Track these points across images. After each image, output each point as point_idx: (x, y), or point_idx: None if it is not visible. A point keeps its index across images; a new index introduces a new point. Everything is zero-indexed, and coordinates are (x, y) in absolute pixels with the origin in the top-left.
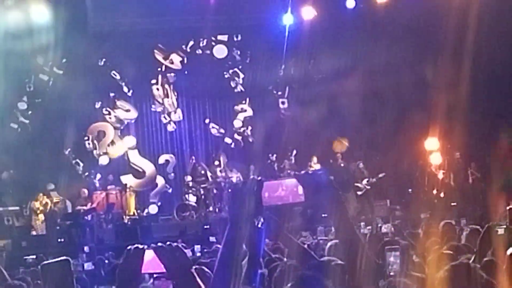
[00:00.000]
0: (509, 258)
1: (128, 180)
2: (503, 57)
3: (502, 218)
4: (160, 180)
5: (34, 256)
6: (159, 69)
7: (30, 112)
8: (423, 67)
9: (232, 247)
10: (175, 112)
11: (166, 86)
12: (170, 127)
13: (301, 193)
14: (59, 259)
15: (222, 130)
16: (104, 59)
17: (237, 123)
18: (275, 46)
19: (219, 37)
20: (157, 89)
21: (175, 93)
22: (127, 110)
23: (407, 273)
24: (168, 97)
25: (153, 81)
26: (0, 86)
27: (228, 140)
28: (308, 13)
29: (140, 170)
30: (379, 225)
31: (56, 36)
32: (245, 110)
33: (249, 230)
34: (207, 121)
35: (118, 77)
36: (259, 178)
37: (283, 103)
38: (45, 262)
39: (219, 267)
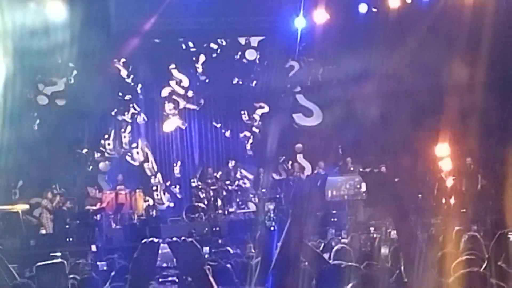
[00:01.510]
0: None
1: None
2: None
3: None
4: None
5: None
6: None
7: (45, 110)
8: (437, 72)
9: (293, 241)
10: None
11: (179, 89)
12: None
13: (364, 190)
14: (54, 261)
15: (232, 131)
16: (121, 60)
17: (252, 127)
18: (287, 49)
19: (237, 39)
20: (169, 93)
21: (190, 95)
22: (138, 113)
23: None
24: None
25: (165, 85)
26: (17, 84)
27: (246, 134)
28: (321, 17)
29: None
30: (388, 230)
31: (73, 35)
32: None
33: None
34: (218, 125)
35: (131, 79)
36: (324, 173)
37: (294, 106)
38: (40, 263)
39: (278, 260)
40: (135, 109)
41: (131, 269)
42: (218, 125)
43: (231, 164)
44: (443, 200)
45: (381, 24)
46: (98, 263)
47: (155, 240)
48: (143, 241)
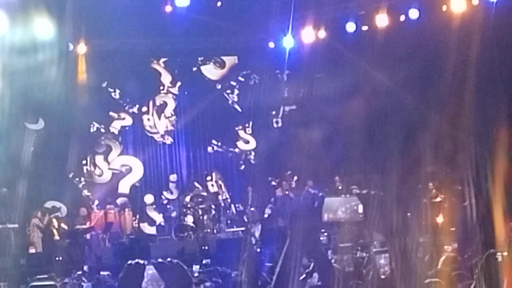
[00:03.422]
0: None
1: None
2: (507, 80)
3: (503, 245)
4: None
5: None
6: (160, 88)
7: (35, 128)
8: (425, 90)
9: (292, 259)
10: (167, 136)
11: (163, 106)
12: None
13: (361, 212)
14: (46, 283)
15: (220, 150)
16: (106, 80)
17: (240, 145)
18: (275, 68)
19: (220, 58)
20: (151, 110)
21: (173, 113)
22: (123, 119)
23: None
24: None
25: (150, 102)
26: (6, 102)
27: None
28: (309, 36)
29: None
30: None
31: (59, 53)
32: (246, 132)
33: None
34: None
35: (118, 97)
36: (321, 194)
37: (282, 124)
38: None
39: (279, 278)
40: (123, 127)
41: None
42: (208, 143)
43: (220, 182)
44: (432, 219)
45: (369, 43)
46: (83, 284)
47: (141, 261)
48: (128, 262)
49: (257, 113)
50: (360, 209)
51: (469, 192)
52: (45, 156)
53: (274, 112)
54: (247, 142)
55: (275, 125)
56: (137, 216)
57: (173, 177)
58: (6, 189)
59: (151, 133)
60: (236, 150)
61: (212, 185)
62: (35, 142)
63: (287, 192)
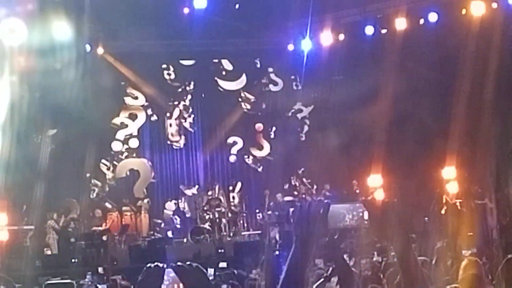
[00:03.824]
0: None
1: None
2: None
3: None
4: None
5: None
6: (178, 90)
7: (54, 130)
8: (444, 95)
9: (298, 266)
10: (184, 138)
11: (181, 110)
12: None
13: (367, 218)
14: (63, 281)
15: (238, 153)
16: (123, 82)
17: (258, 148)
18: (294, 70)
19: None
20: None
21: (191, 117)
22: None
23: None
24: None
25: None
26: (24, 104)
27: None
28: (327, 39)
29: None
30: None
31: (78, 55)
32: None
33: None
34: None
35: (135, 99)
36: (326, 201)
37: (302, 128)
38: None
39: (284, 283)
40: (139, 129)
41: None
42: (225, 146)
43: (237, 185)
44: (450, 223)
45: (388, 47)
46: (99, 286)
47: (160, 264)
48: (148, 265)
49: (274, 117)
50: (366, 215)
51: (489, 196)
52: (62, 158)
53: (291, 116)
54: (264, 146)
55: (293, 129)
56: (153, 218)
57: (188, 180)
58: (24, 191)
59: (168, 137)
60: (254, 153)
61: (229, 188)
62: (53, 144)
63: (303, 195)
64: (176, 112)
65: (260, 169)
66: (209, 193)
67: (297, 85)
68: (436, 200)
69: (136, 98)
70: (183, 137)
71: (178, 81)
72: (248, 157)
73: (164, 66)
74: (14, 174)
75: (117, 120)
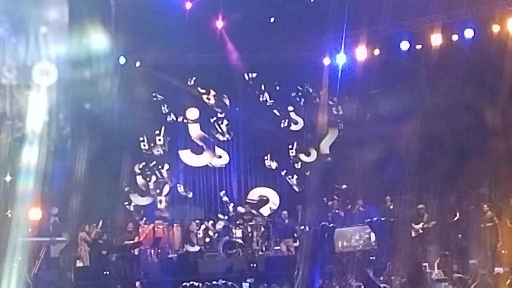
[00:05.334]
0: None
1: None
2: None
3: None
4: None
5: None
6: (211, 103)
7: (88, 142)
8: (481, 111)
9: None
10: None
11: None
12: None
13: (374, 240)
14: None
15: (272, 167)
16: (155, 93)
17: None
18: (330, 86)
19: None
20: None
21: (223, 129)
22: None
23: None
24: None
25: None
26: (57, 114)
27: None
28: (362, 53)
29: None
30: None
31: (112, 67)
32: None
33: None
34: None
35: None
36: (331, 225)
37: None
38: None
39: None
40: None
41: None
42: (260, 160)
43: (271, 199)
44: (486, 241)
45: (423, 62)
46: None
47: (195, 283)
48: (183, 284)
49: (309, 132)
50: (373, 237)
51: None
52: (96, 170)
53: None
54: (299, 160)
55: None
56: (186, 232)
57: (222, 194)
58: (56, 203)
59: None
60: (289, 167)
61: (263, 202)
62: (88, 156)
63: (337, 211)
64: (207, 123)
65: (295, 183)
66: (242, 206)
67: (332, 100)
68: (471, 217)
69: (167, 109)
70: (220, 150)
71: (210, 94)
72: (283, 170)
73: (194, 78)
74: (50, 185)
75: (149, 131)
